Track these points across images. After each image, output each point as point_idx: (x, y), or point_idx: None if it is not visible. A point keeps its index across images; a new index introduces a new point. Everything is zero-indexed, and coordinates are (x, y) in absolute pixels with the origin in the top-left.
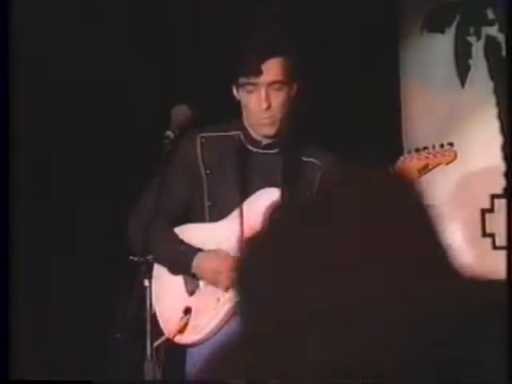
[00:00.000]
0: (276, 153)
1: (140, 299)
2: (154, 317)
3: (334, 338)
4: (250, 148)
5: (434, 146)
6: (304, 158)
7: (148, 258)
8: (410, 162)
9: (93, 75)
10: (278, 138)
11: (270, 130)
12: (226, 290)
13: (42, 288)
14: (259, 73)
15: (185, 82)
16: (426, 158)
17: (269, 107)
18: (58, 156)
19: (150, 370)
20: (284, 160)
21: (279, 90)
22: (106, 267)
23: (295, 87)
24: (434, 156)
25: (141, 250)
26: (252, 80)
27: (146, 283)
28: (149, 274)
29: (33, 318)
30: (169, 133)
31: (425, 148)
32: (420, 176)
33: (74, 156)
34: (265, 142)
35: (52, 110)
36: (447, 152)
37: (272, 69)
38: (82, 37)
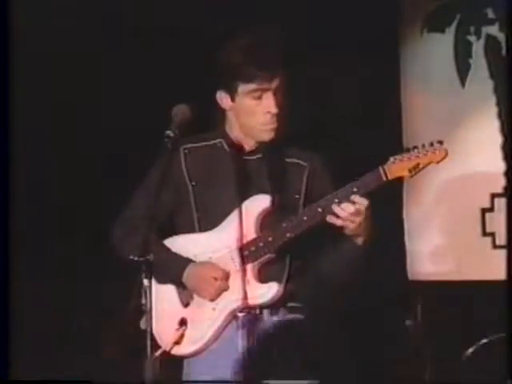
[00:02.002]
0: (260, 158)
1: (140, 299)
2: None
3: None
4: (234, 155)
5: (423, 145)
6: (288, 160)
7: (148, 257)
8: (400, 162)
9: (93, 75)
10: (261, 143)
11: (272, 135)
12: (212, 299)
13: (42, 288)
14: (271, 79)
15: (184, 82)
16: (417, 157)
17: (278, 113)
18: (58, 156)
19: (150, 370)
20: (268, 164)
21: (282, 95)
22: (105, 267)
23: (292, 91)
24: (425, 155)
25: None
26: (263, 86)
27: (146, 283)
28: (149, 274)
29: (33, 318)
30: (169, 132)
31: (414, 147)
32: (411, 176)
33: (74, 156)
34: (248, 147)
35: (52, 109)
36: (437, 150)
37: (280, 75)
38: (82, 37)
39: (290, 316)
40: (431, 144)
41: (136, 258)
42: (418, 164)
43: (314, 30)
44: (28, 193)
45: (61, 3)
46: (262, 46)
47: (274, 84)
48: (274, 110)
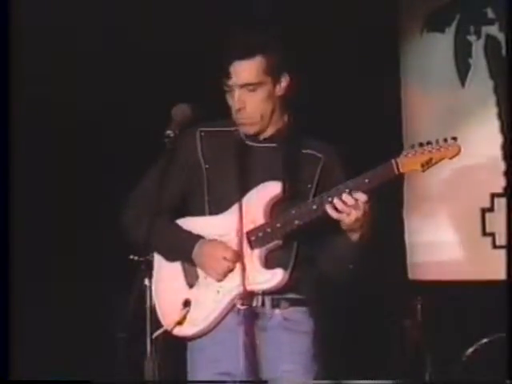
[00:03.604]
0: (275, 146)
1: (140, 298)
2: (154, 315)
3: None
4: (249, 142)
5: (437, 141)
6: (303, 151)
7: (148, 256)
8: (413, 157)
9: (93, 75)
10: (276, 132)
11: (250, 129)
12: (219, 279)
13: (42, 288)
14: (229, 75)
15: (184, 81)
16: (430, 152)
17: (241, 109)
18: (58, 156)
19: (150, 370)
20: (283, 153)
21: (253, 90)
22: (105, 267)
23: (283, 84)
24: (438, 150)
25: (141, 241)
26: (226, 82)
27: (146, 282)
28: (149, 273)
29: (33, 318)
30: (169, 132)
31: (428, 143)
32: (423, 170)
33: (75, 155)
34: (262, 136)
35: (52, 109)
36: (451, 146)
37: (243, 71)
38: (82, 37)
39: (292, 309)
40: (445, 140)
41: (136, 258)
42: (431, 159)
43: (314, 31)
44: (28, 192)
45: (61, 3)
46: (220, 43)
47: (237, 80)
48: (236, 105)
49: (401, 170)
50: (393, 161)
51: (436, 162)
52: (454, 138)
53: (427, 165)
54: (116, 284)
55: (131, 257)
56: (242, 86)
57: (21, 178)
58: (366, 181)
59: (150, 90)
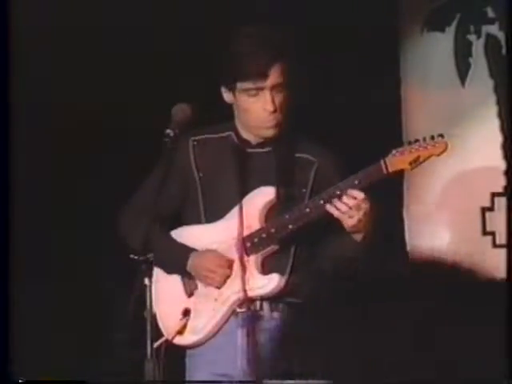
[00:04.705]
0: (268, 151)
1: (140, 298)
2: (154, 316)
3: None
4: (242, 148)
5: (424, 139)
6: (297, 155)
7: (148, 256)
8: (401, 156)
9: (93, 75)
10: (271, 136)
11: (273, 132)
12: (217, 287)
13: (42, 288)
14: (265, 77)
15: (184, 81)
16: (417, 150)
17: (275, 111)
18: (58, 156)
19: (150, 370)
20: (277, 158)
21: (281, 92)
22: (105, 267)
23: (293, 87)
24: (425, 148)
25: (137, 249)
26: (257, 84)
27: (147, 282)
28: (149, 273)
29: (33, 318)
30: (169, 131)
31: (416, 140)
32: (412, 169)
33: (75, 155)
34: (255, 141)
35: (53, 110)
36: (438, 143)
37: (276, 72)
38: (81, 37)
39: (290, 312)
40: (432, 137)
41: (136, 257)
42: (419, 157)
43: (315, 30)
44: (28, 193)
45: (61, 3)
46: (257, 44)
47: (270, 82)
48: (270, 107)
49: (389, 170)
50: (381, 161)
51: (424, 160)
52: (441, 135)
53: (415, 163)
54: (116, 284)
55: (131, 256)
56: (274, 86)
57: (21, 178)
58: (356, 182)
59: (150, 90)
